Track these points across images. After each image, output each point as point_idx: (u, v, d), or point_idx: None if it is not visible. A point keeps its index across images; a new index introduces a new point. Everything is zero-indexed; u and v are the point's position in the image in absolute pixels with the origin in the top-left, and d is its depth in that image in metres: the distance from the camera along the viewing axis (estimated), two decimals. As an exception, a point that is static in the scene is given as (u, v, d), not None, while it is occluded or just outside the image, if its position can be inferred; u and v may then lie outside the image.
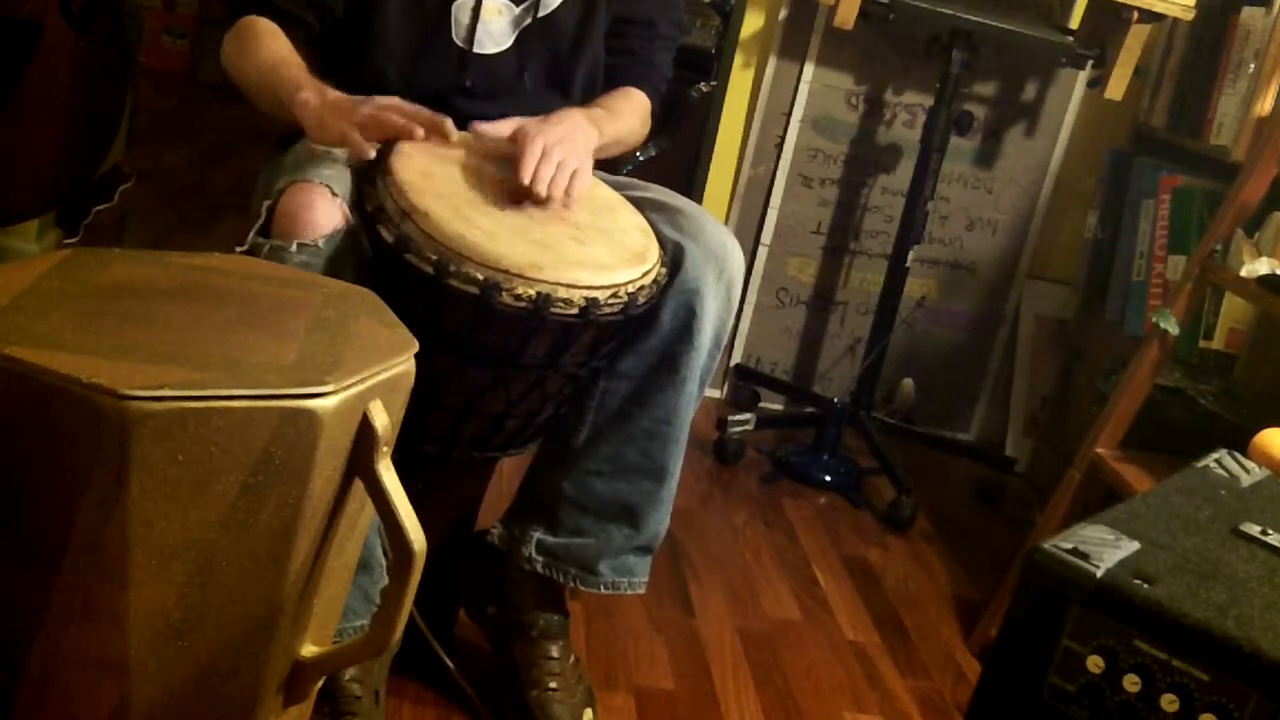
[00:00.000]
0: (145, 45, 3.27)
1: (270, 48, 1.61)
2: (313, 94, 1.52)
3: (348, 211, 1.44)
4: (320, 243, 1.40)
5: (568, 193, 1.52)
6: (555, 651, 1.70)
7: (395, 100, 1.53)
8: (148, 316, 1.08)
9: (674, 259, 1.58)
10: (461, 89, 1.68)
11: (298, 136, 1.62)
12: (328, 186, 1.44)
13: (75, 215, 2.90)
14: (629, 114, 1.78)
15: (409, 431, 1.20)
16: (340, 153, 1.53)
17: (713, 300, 1.59)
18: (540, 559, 1.68)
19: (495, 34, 1.69)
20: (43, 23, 2.33)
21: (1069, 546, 1.10)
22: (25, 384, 0.95)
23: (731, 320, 1.65)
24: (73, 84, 2.51)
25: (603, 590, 1.69)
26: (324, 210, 1.42)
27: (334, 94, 1.53)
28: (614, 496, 1.65)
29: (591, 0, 1.74)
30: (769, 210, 2.96)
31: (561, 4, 1.72)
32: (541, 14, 1.71)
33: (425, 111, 1.52)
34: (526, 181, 1.49)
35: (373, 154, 1.47)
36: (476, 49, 1.68)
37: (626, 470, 1.64)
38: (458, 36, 1.67)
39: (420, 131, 1.50)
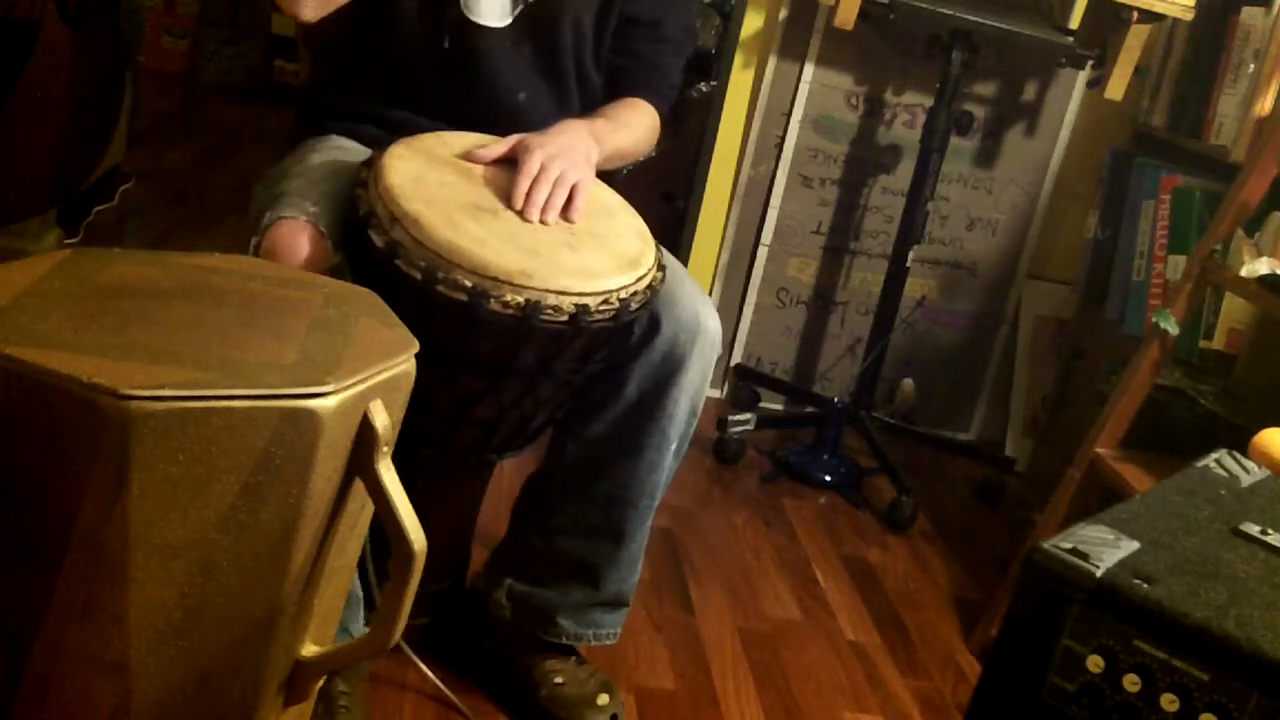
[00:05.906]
0: (145, 45, 3.27)
1: None
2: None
3: (331, 249, 1.42)
4: None
5: (566, 210, 1.49)
6: (553, 653, 1.73)
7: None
8: (148, 316, 1.08)
9: (647, 332, 1.56)
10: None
11: (306, 135, 1.62)
12: (313, 223, 1.42)
13: (75, 215, 2.90)
14: (634, 124, 1.73)
15: (404, 434, 1.20)
16: (340, 160, 1.51)
17: (688, 374, 1.59)
18: (509, 605, 1.72)
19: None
20: (40, 21, 2.33)
21: (1069, 546, 1.10)
22: (25, 384, 0.95)
23: (707, 386, 1.63)
24: (70, 82, 2.52)
25: (565, 641, 1.73)
26: (308, 249, 1.40)
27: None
28: (576, 553, 1.68)
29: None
30: (769, 210, 2.96)
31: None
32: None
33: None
34: (519, 206, 1.46)
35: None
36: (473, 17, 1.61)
37: (588, 530, 1.66)
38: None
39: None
